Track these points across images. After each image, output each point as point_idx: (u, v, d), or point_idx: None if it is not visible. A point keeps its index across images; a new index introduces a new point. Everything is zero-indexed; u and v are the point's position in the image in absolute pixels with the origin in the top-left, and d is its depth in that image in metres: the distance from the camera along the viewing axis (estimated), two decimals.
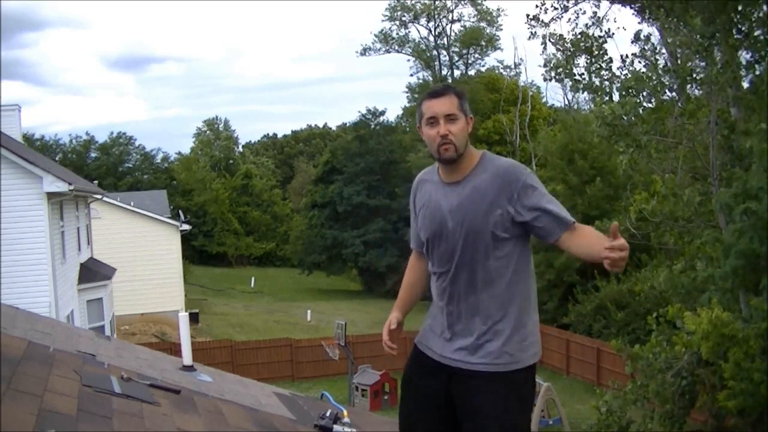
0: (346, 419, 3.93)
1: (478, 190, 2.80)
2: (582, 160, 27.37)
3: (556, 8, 14.93)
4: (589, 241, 2.67)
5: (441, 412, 2.90)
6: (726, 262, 10.53)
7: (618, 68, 13.75)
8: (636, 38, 13.81)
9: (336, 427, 3.79)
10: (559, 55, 14.67)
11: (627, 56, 13.74)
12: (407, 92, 47.95)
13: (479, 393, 2.79)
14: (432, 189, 2.96)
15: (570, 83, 14.76)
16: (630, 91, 12.98)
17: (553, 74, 14.57)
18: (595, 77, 13.98)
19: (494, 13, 45.65)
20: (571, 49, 14.01)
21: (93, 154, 61.31)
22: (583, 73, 14.11)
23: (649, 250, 21.56)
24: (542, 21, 15.05)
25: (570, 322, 24.48)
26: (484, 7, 45.66)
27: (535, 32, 15.14)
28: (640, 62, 13.80)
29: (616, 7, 14.15)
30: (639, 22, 13.96)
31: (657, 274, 13.16)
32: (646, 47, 13.81)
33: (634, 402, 12.39)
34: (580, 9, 14.91)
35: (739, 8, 11.92)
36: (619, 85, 13.38)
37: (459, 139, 2.79)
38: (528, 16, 15.10)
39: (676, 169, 13.79)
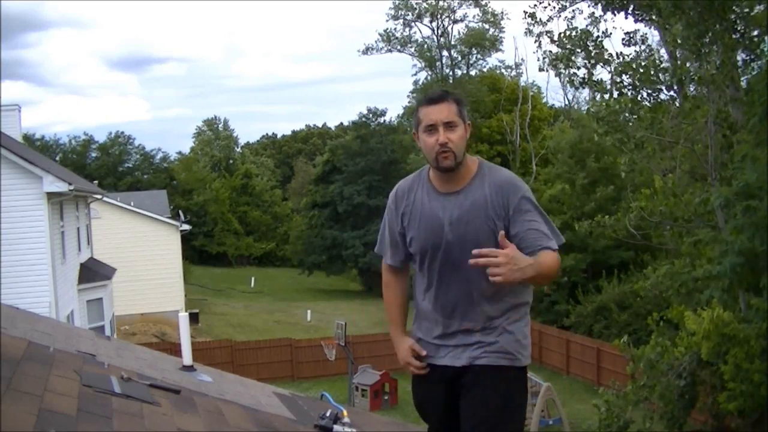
0: (346, 419, 3.92)
1: (479, 203, 2.76)
2: (594, 161, 27.17)
3: (554, 7, 14.92)
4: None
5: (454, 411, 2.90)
6: (724, 257, 10.51)
7: (615, 62, 13.70)
8: (630, 40, 13.72)
9: (336, 427, 3.79)
10: (557, 49, 14.63)
11: (622, 54, 13.68)
12: (412, 93, 47.82)
13: (479, 383, 2.79)
14: (424, 198, 2.86)
15: (568, 77, 14.71)
16: (623, 76, 12.88)
17: (549, 65, 14.49)
18: (592, 70, 13.95)
19: (498, 16, 45.64)
20: (570, 47, 13.96)
21: (93, 154, 61.29)
22: (580, 68, 14.08)
23: (651, 250, 21.55)
24: (540, 19, 15.05)
25: (571, 323, 24.41)
26: (489, 8, 45.62)
27: (532, 30, 15.14)
28: (637, 58, 13.74)
29: (610, 11, 14.09)
30: (635, 21, 13.92)
31: (659, 268, 13.12)
32: (642, 47, 13.75)
33: (635, 403, 12.36)
34: (578, 8, 14.91)
35: (731, 11, 11.88)
36: (613, 69, 13.29)
37: (458, 147, 2.73)
38: (525, 12, 15.10)
39: (675, 168, 13.76)
